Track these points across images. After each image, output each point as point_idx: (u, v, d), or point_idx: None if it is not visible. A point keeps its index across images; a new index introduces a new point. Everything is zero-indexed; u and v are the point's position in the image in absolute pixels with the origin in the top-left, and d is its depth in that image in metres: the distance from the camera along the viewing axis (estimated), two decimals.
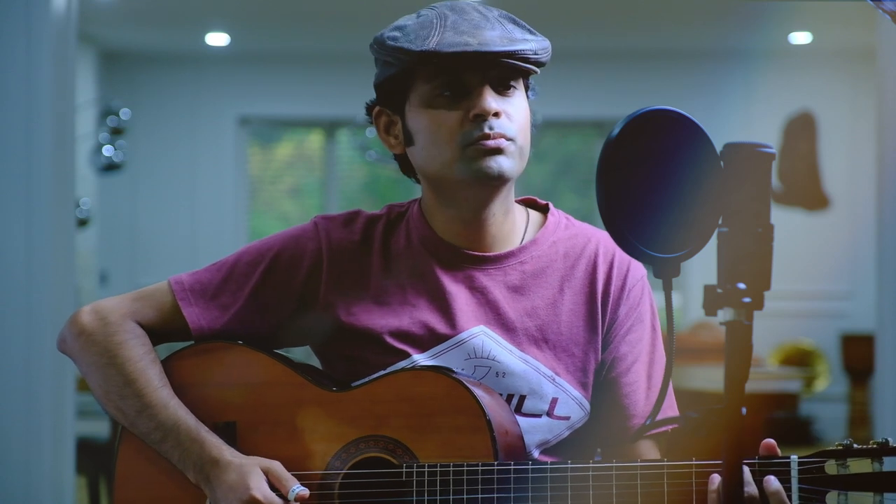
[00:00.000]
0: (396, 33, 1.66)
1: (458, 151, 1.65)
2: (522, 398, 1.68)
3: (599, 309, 1.71)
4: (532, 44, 1.65)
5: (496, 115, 1.64)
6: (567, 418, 1.69)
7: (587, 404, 1.71)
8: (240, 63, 8.38)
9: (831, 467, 1.48)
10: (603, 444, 1.74)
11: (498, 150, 1.64)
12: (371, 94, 1.77)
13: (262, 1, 7.05)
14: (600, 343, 1.71)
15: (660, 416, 1.66)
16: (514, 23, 1.68)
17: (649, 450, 1.71)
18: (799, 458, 1.49)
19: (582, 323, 1.71)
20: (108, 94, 7.58)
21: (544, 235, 1.75)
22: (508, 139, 1.65)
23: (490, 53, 1.62)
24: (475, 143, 1.64)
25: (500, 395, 1.67)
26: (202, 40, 7.95)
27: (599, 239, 1.76)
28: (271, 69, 8.40)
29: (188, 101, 8.41)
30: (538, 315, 1.71)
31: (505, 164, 1.65)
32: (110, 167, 6.40)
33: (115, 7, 7.08)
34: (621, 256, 1.74)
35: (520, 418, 1.67)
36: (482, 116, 1.64)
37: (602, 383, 1.71)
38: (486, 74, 1.65)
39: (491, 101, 1.64)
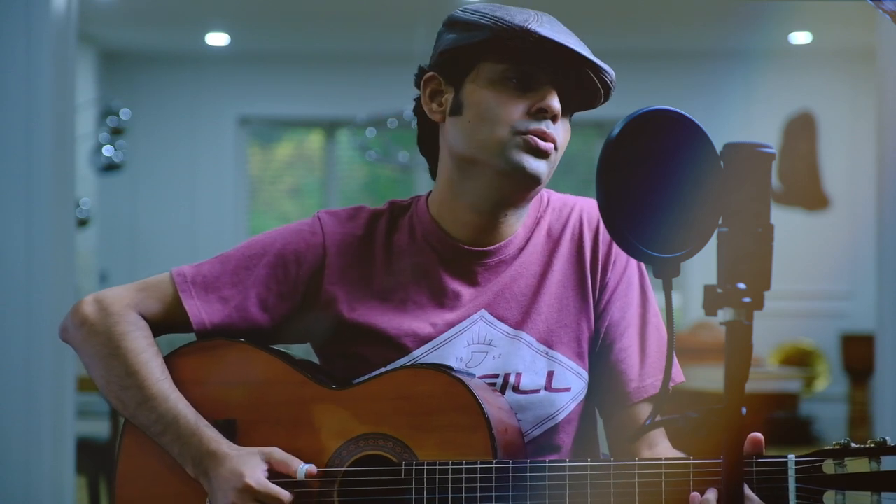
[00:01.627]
0: (496, 7, 1.67)
1: (510, 136, 1.65)
2: (519, 376, 1.70)
3: (589, 277, 1.74)
4: (612, 71, 1.69)
5: (554, 119, 1.66)
6: (567, 389, 1.71)
7: (585, 374, 1.73)
8: (240, 63, 8.38)
9: (829, 467, 1.48)
10: (603, 412, 1.76)
11: (545, 154, 1.66)
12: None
13: (262, 1, 7.05)
14: (592, 311, 1.74)
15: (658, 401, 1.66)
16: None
17: (659, 434, 1.72)
18: (796, 457, 1.49)
19: (572, 294, 1.74)
20: (108, 94, 7.58)
21: (531, 215, 1.77)
22: (555, 148, 1.67)
23: (579, 55, 1.64)
24: (529, 134, 1.65)
25: (498, 376, 1.70)
26: (202, 40, 7.95)
27: (582, 207, 1.79)
28: (271, 69, 8.39)
29: (188, 101, 8.41)
30: (530, 293, 1.73)
31: (542, 168, 1.67)
32: (110, 167, 6.40)
33: (115, 7, 7.08)
34: None
35: (519, 396, 1.69)
36: (545, 111, 1.65)
37: (598, 353, 1.74)
38: (557, 78, 1.66)
39: (556, 102, 1.66)
